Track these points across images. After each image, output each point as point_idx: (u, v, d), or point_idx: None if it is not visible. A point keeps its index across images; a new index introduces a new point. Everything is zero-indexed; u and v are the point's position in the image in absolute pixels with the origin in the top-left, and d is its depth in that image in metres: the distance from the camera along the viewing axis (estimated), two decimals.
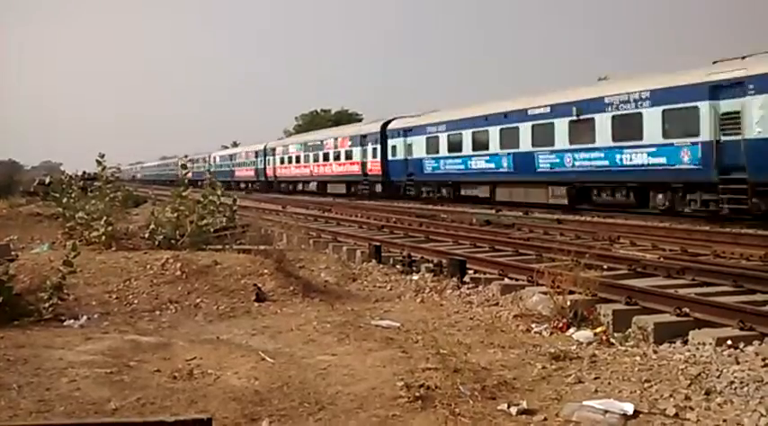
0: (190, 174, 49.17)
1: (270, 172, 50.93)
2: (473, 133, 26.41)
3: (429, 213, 22.24)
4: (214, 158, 66.44)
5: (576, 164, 21.19)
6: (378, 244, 12.72)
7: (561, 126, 21.61)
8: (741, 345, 5.93)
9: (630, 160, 19.19)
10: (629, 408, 4.37)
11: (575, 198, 21.70)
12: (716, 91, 16.65)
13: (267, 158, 51.35)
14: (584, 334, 6.59)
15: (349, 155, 37.49)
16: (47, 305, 7.13)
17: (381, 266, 11.43)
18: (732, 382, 4.91)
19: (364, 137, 36.08)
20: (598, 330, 6.73)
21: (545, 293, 7.70)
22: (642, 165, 18.83)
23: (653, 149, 18.50)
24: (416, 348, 5.97)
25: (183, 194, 10.94)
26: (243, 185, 56.41)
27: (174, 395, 4.68)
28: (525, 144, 23.33)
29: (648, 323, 6.65)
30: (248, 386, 4.91)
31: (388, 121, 34.41)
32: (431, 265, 10.66)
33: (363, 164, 35.69)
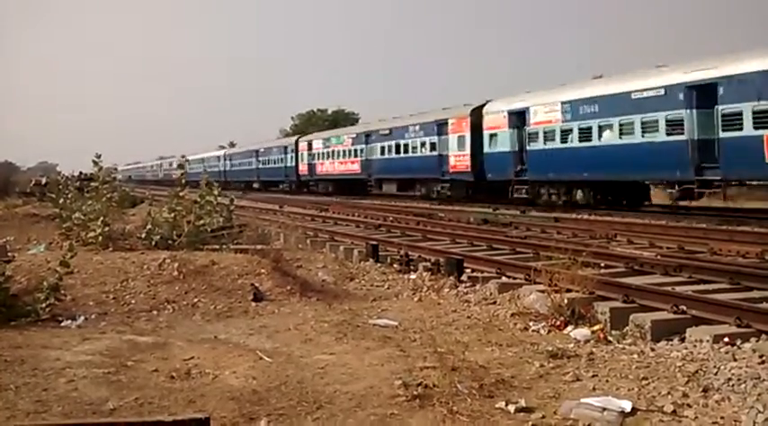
0: (335, 168, 44.97)
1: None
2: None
3: (426, 212, 22.28)
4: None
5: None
6: (375, 243, 12.71)
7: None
8: (738, 342, 5.93)
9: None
10: (626, 405, 4.38)
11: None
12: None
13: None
14: (582, 332, 6.60)
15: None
16: (44, 305, 7.12)
17: (379, 265, 11.42)
18: (729, 379, 4.92)
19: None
20: (595, 328, 6.74)
21: (542, 291, 7.69)
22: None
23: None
24: (414, 346, 5.98)
25: (180, 194, 10.95)
26: None
27: (172, 395, 4.68)
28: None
29: (646, 320, 6.65)
30: (246, 385, 4.91)
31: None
32: (428, 264, 10.65)
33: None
